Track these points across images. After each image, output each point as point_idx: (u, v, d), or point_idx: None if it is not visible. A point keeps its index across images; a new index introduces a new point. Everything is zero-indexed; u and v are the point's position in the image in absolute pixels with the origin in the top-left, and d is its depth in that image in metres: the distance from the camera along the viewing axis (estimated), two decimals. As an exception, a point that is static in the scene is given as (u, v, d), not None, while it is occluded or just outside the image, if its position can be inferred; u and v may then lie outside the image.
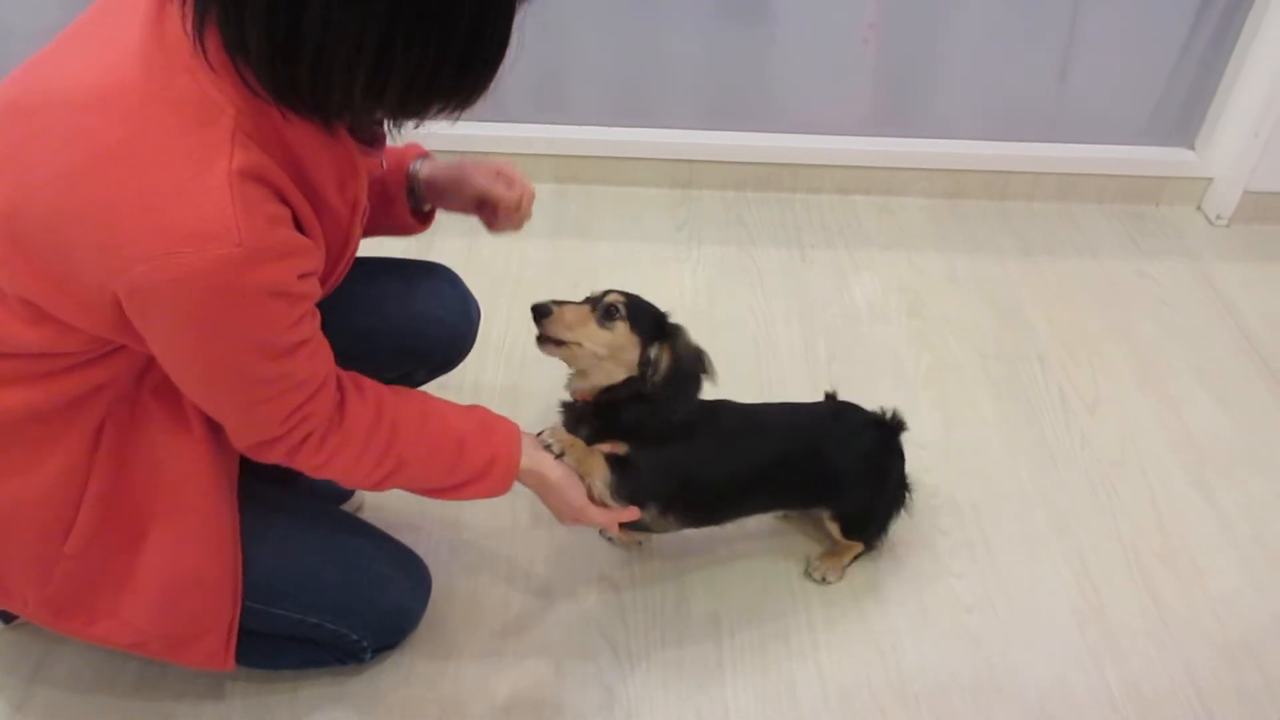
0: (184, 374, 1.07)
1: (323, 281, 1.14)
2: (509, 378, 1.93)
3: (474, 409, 1.32)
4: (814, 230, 2.42)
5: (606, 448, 1.40)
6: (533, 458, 1.31)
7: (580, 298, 1.42)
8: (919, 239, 2.42)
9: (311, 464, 1.17)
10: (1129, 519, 1.76)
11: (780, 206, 2.49)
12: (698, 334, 1.39)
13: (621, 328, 1.37)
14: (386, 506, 1.68)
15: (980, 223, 2.49)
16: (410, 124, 1.01)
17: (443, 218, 1.48)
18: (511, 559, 1.63)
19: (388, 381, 1.45)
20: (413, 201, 1.40)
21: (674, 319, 1.43)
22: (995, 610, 1.60)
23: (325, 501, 1.62)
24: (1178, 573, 1.67)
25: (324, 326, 1.13)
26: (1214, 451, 1.89)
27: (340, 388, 1.18)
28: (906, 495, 1.61)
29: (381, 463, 1.20)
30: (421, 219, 1.43)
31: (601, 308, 1.38)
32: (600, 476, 1.37)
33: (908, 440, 1.60)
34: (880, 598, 1.61)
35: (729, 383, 1.95)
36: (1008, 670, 1.52)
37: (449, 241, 2.12)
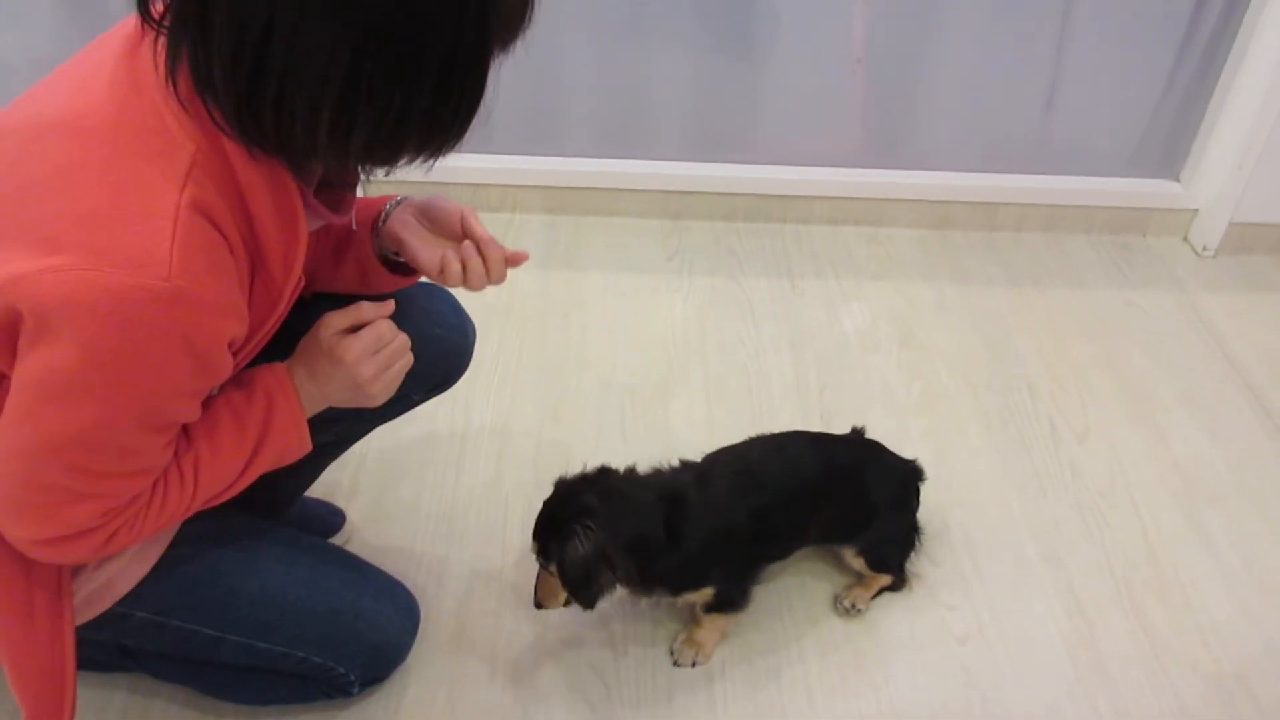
0: (19, 431, 0.94)
1: (234, 354, 1.04)
2: (499, 410, 1.92)
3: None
4: (804, 260, 2.44)
5: (693, 597, 1.47)
6: (309, 362, 1.15)
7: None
8: (908, 269, 2.44)
9: (121, 545, 1.07)
10: (1119, 549, 1.76)
11: (770, 237, 2.51)
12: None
13: (555, 572, 1.34)
14: (376, 539, 1.67)
15: (968, 253, 2.51)
16: (380, 172, 0.98)
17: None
18: (501, 593, 1.62)
19: (384, 404, 1.42)
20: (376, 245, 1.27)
21: (582, 502, 1.34)
22: (987, 641, 1.59)
23: (312, 534, 1.61)
24: (1168, 602, 1.67)
25: None
26: (1203, 481, 1.90)
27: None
28: (918, 536, 1.65)
29: (189, 509, 1.10)
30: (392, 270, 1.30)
31: (543, 568, 1.38)
32: (715, 630, 1.52)
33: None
34: (872, 630, 1.60)
35: (722, 412, 1.97)
36: (1000, 701, 1.51)
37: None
